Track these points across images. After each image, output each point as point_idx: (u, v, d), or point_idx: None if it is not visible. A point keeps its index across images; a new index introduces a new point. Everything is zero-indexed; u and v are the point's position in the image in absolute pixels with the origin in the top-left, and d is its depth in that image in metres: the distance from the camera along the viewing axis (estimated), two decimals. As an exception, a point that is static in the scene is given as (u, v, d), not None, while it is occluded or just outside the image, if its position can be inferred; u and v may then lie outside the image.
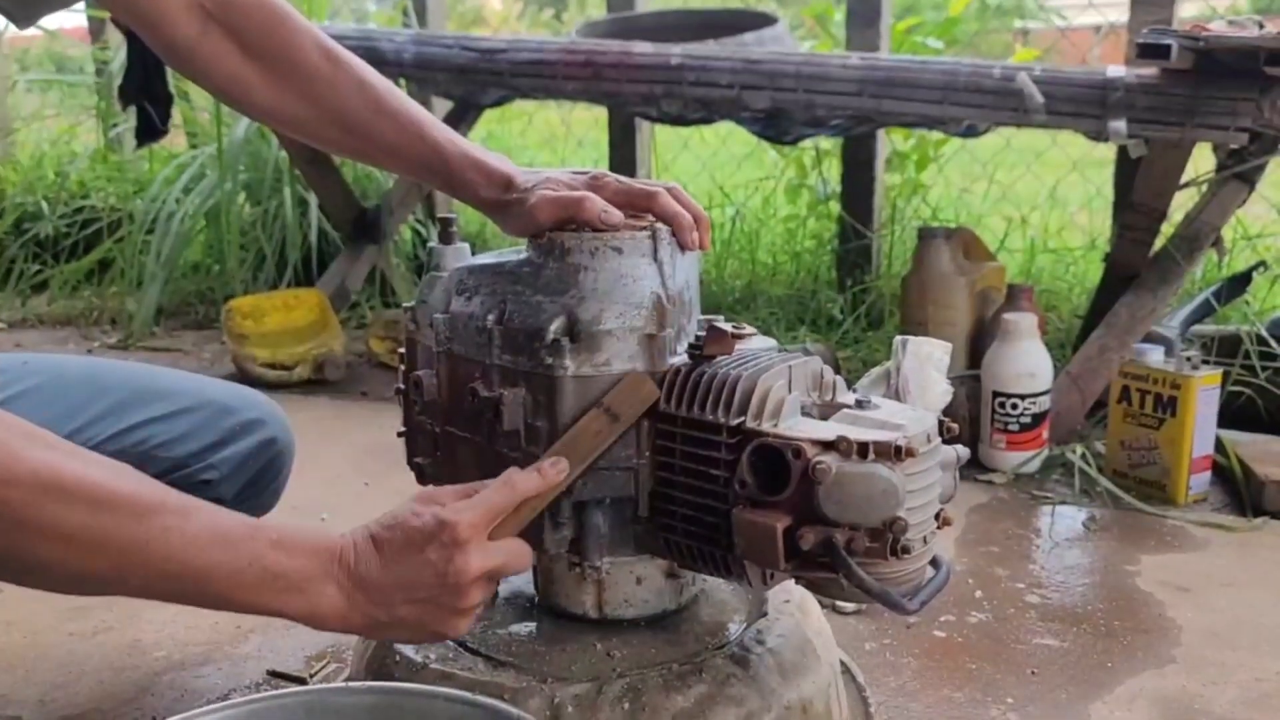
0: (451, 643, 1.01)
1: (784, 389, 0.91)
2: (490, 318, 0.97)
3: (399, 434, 1.09)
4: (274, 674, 1.28)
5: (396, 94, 1.07)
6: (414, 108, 1.07)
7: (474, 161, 1.03)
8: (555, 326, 0.93)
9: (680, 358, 0.96)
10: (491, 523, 0.85)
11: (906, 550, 0.86)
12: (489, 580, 0.85)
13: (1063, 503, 1.77)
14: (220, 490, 1.15)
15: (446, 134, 1.05)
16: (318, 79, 1.05)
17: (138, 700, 1.23)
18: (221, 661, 1.31)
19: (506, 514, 0.86)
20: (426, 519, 0.83)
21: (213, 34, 1.05)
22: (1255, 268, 2.20)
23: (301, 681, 1.26)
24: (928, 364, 1.04)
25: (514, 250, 1.05)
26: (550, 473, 0.88)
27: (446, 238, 1.08)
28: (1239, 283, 2.17)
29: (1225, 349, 1.99)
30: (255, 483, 1.19)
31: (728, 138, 3.39)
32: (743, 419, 0.89)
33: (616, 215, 0.94)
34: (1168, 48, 1.68)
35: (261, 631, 1.38)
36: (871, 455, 0.84)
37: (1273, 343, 1.97)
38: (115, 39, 3.34)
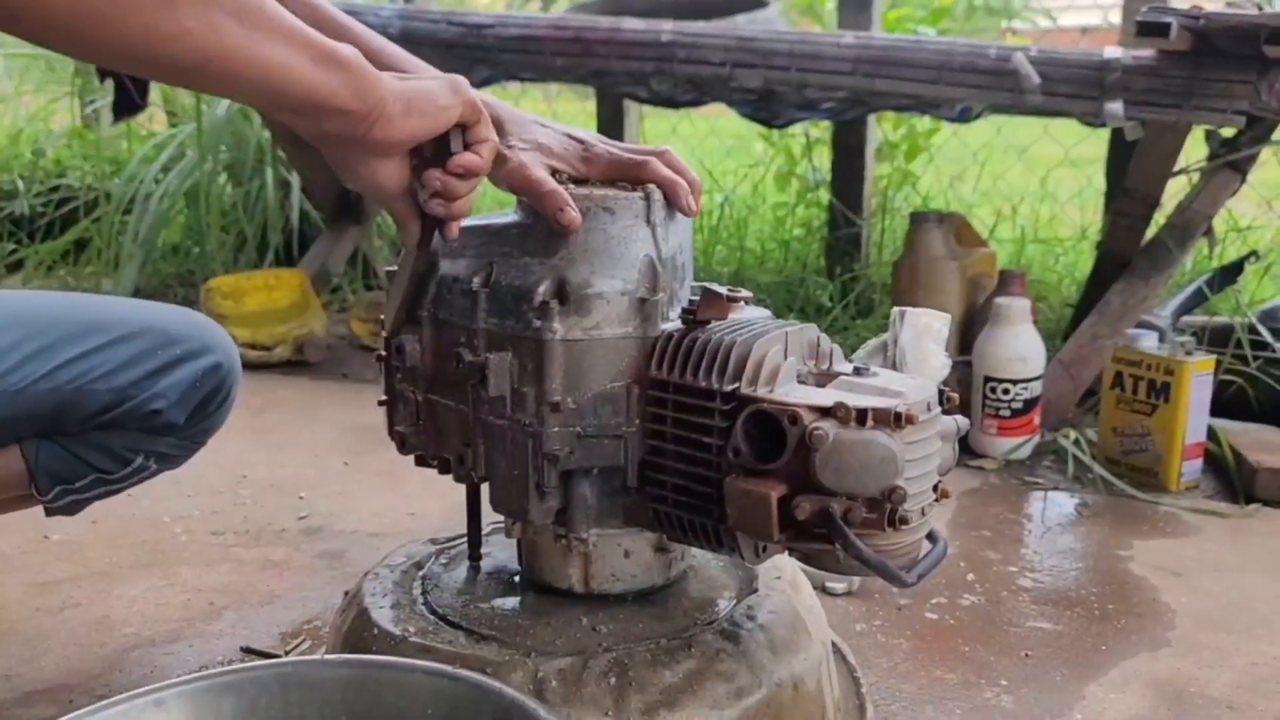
0: (432, 616, 0.98)
1: (780, 355, 0.88)
2: (476, 280, 0.94)
3: (380, 402, 1.06)
4: (247, 650, 1.24)
5: (358, 25, 1.03)
6: (377, 37, 1.02)
7: None
8: (544, 289, 0.90)
9: (673, 323, 0.93)
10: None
11: (905, 521, 0.83)
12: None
13: (1054, 488, 1.75)
14: (171, 416, 1.11)
15: (416, 62, 1.01)
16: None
17: (105, 676, 1.19)
18: (193, 638, 1.28)
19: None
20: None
21: None
22: (1247, 257, 2.19)
23: (275, 658, 1.22)
24: (926, 335, 1.01)
25: (501, 213, 1.02)
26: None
27: (431, 200, 1.04)
28: (1230, 272, 2.16)
29: (1216, 339, 1.97)
30: (203, 407, 1.15)
31: (716, 126, 3.36)
32: (737, 385, 0.86)
33: (574, 219, 0.89)
34: (1167, 26, 1.66)
35: (235, 608, 1.35)
36: (870, 422, 0.81)
37: (1264, 332, 1.95)
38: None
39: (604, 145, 0.97)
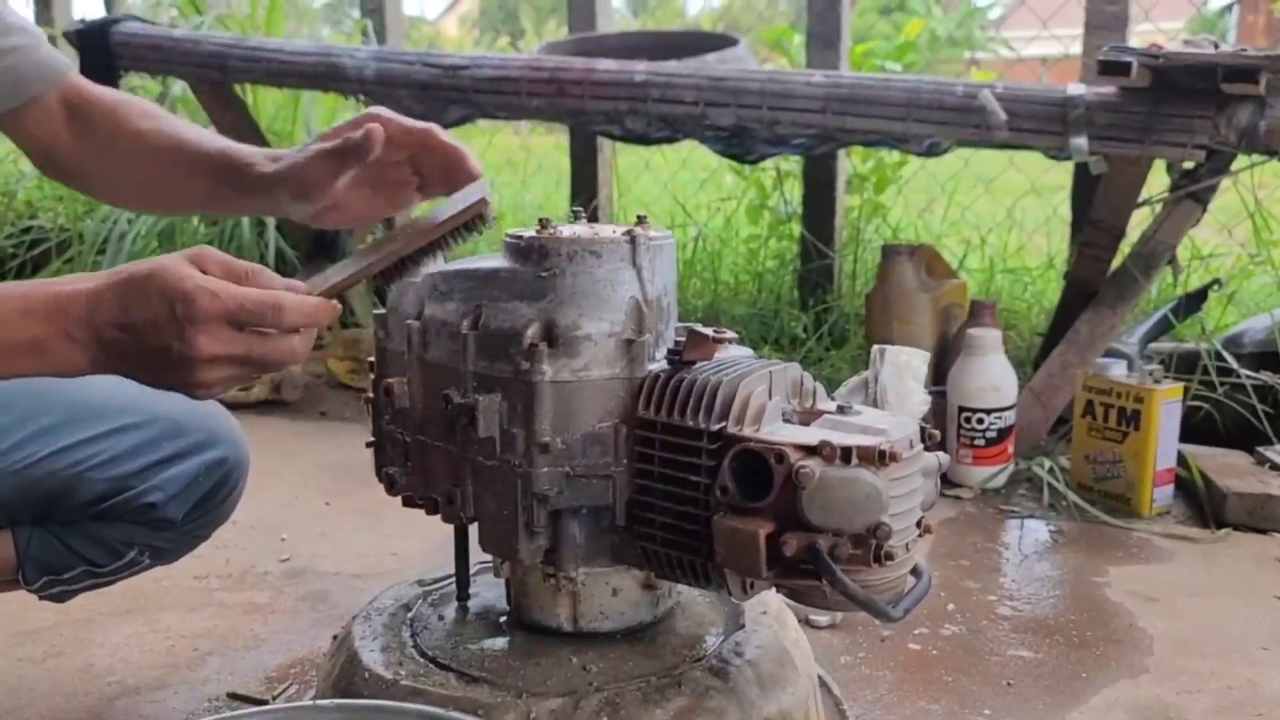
0: (422, 658, 0.98)
1: (765, 394, 0.90)
2: (465, 323, 0.95)
3: (368, 444, 1.07)
4: (234, 696, 1.24)
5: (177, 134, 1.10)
6: (189, 142, 1.09)
7: (232, 160, 1.06)
8: (532, 331, 0.92)
9: (659, 363, 0.94)
10: (233, 318, 0.80)
11: (890, 557, 0.85)
12: (231, 364, 0.81)
13: (1030, 516, 1.78)
14: (168, 510, 1.09)
15: (219, 144, 1.08)
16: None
17: (91, 726, 1.18)
18: (178, 685, 1.27)
19: (256, 320, 0.82)
20: (175, 282, 0.79)
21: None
22: (1210, 285, 2.24)
23: (263, 703, 1.22)
24: (906, 373, 1.03)
25: (486, 256, 1.03)
26: (325, 311, 0.88)
27: (417, 244, 1.06)
28: (1195, 300, 2.21)
29: (1182, 365, 2.02)
30: (204, 503, 1.13)
31: (688, 160, 3.40)
32: (724, 424, 0.88)
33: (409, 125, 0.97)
34: (1128, 64, 1.71)
35: (220, 653, 1.34)
36: (855, 460, 0.83)
37: (1229, 358, 2.00)
38: (67, 52, 3.27)
39: (388, 113, 1.02)
